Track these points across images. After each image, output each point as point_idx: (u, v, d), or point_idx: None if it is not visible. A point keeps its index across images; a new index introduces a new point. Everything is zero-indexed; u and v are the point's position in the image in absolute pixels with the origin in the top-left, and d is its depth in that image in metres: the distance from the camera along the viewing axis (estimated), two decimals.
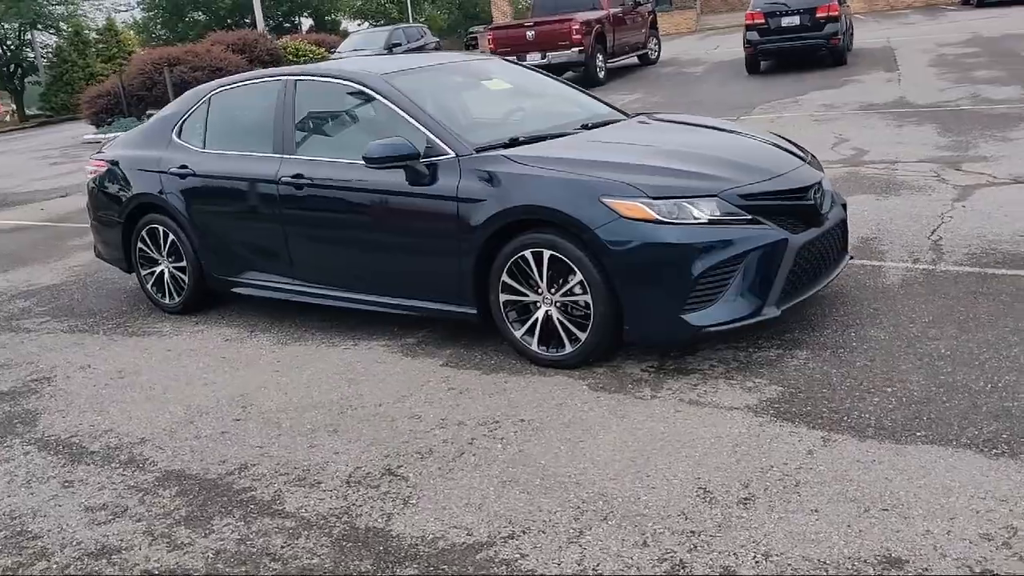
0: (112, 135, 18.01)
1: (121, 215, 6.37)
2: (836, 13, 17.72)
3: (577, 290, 4.50)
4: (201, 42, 23.76)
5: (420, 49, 24.53)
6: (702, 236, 4.26)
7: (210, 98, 6.12)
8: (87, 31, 38.17)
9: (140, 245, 6.33)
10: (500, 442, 3.93)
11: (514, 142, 5.01)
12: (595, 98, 6.11)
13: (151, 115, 6.64)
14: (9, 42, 40.63)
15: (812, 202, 4.64)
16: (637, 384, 4.39)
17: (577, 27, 18.50)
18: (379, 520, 3.41)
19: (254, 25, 32.28)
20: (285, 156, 5.50)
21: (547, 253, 4.52)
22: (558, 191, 4.48)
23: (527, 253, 4.59)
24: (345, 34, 43.81)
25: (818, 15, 17.59)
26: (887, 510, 3.15)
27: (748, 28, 18.14)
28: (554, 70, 18.54)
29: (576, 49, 18.57)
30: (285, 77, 5.72)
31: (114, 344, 5.82)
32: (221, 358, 5.34)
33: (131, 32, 42.99)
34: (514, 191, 4.59)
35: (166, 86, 20.90)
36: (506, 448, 3.87)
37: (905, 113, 11.70)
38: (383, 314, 5.39)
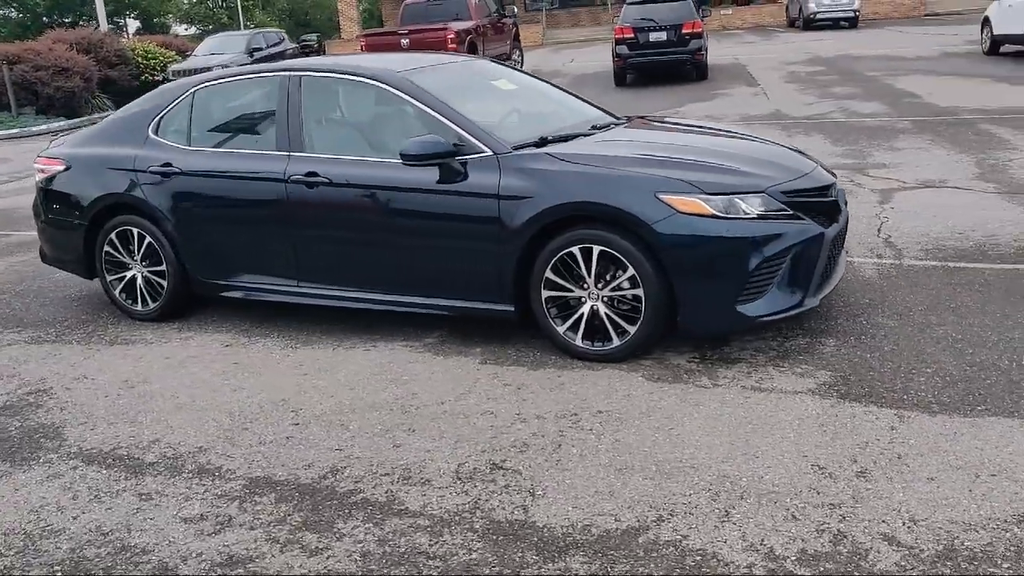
0: None
1: (84, 217, 5.95)
2: (700, 30, 18.66)
3: (625, 284, 4.60)
4: (41, 40, 22.23)
5: (281, 54, 23.90)
6: (756, 230, 4.46)
7: (194, 93, 5.83)
8: None
9: (107, 249, 5.94)
10: (591, 433, 3.97)
11: (544, 141, 5.06)
12: (585, 100, 6.24)
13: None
14: None
15: (835, 199, 4.94)
16: (691, 374, 4.53)
17: (452, 36, 18.60)
18: (517, 512, 3.39)
19: (95, 24, 30.49)
20: (293, 154, 5.32)
21: (597, 249, 4.60)
22: (613, 188, 4.58)
23: (575, 249, 4.65)
24: (176, 38, 42.10)
25: (684, 31, 18.44)
26: (995, 475, 3.42)
27: (618, 42, 18.78)
28: None
29: None
30: (286, 73, 5.53)
31: (98, 354, 5.43)
32: (233, 363, 5.10)
33: None
34: (564, 188, 4.65)
35: (4, 84, 19.51)
36: (600, 438, 3.92)
37: (787, 124, 12.47)
38: (388, 315, 5.32)
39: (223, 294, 5.70)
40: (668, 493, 3.46)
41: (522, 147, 4.94)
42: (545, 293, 4.78)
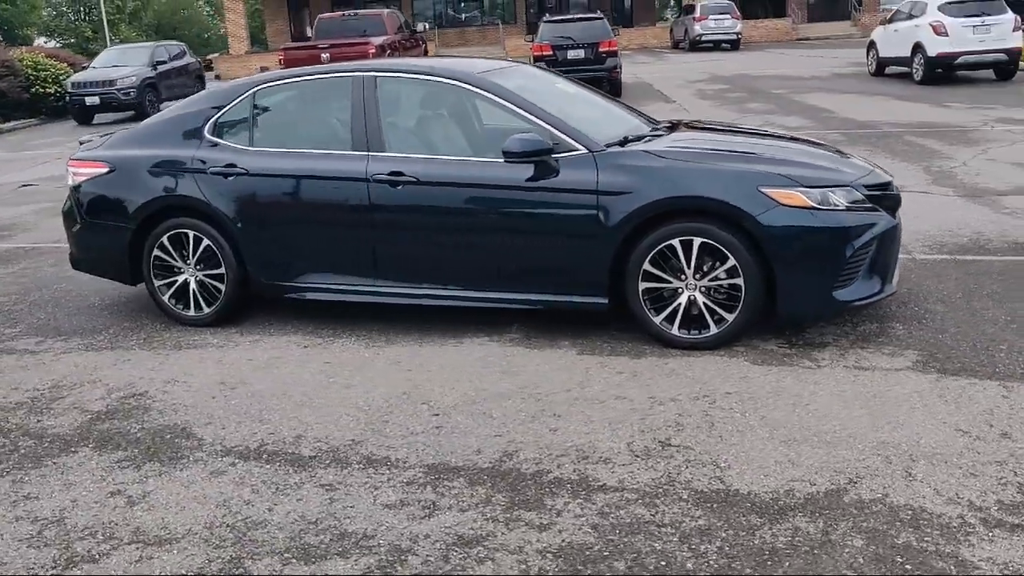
0: None
1: (132, 220, 5.78)
2: (615, 48, 19.28)
3: (723, 275, 4.85)
4: None
5: (184, 68, 23.22)
6: (849, 221, 4.80)
7: (254, 94, 5.75)
8: None
9: (157, 253, 5.78)
10: (735, 412, 4.19)
11: (626, 140, 5.27)
12: (627, 106, 6.48)
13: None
14: None
15: (896, 193, 5.34)
16: (790, 358, 4.82)
17: (374, 51, 18.58)
18: (714, 482, 3.57)
19: None
20: (372, 154, 5.34)
21: (698, 240, 4.84)
22: (717, 182, 4.83)
23: (675, 241, 4.87)
24: (63, 49, 40.23)
25: (601, 50, 19.03)
26: None
27: (536, 59, 19.14)
28: None
29: None
30: (360, 73, 5.55)
31: (172, 358, 5.29)
32: (325, 363, 5.07)
33: None
34: (668, 183, 4.87)
35: None
36: (747, 416, 4.14)
37: None
38: (454, 313, 5.42)
39: (290, 295, 5.64)
40: (842, 459, 3.70)
41: (612, 145, 5.13)
42: (643, 285, 4.98)
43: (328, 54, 18.60)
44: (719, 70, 24.34)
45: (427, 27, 22.18)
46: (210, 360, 5.21)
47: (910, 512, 3.31)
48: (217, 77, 31.80)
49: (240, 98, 5.77)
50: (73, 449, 4.15)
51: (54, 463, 4.02)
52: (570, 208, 5.02)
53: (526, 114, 5.19)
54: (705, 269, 4.89)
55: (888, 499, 3.39)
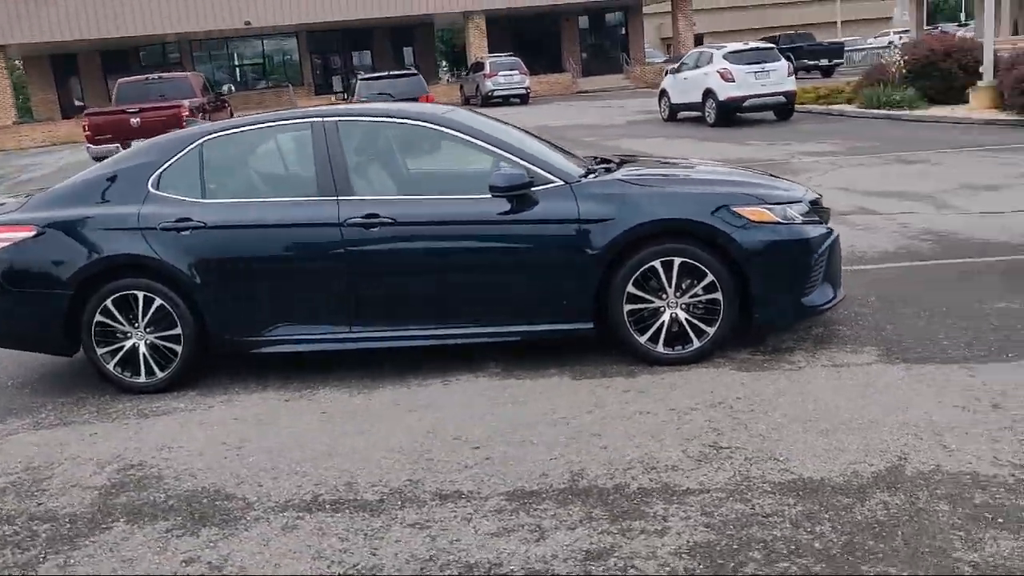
0: None
1: (68, 286, 5.36)
2: (433, 102, 19.65)
3: (700, 291, 5.17)
4: None
5: None
6: (809, 233, 5.25)
7: (201, 144, 5.52)
8: None
9: (99, 319, 5.38)
10: (756, 413, 4.47)
11: (589, 172, 5.52)
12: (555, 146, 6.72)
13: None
14: None
15: (827, 208, 5.88)
16: (770, 363, 5.17)
17: (188, 114, 17.97)
18: (784, 474, 3.81)
19: None
20: (342, 198, 5.28)
21: (677, 260, 5.13)
22: (694, 204, 5.16)
23: (656, 263, 5.14)
24: None
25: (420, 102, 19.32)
26: None
27: None
28: None
29: None
30: (319, 119, 5.47)
31: (146, 426, 4.93)
32: (321, 413, 4.92)
33: None
34: (647, 208, 5.14)
35: None
36: (769, 415, 4.43)
37: None
38: (416, 353, 5.42)
39: (257, 351, 5.42)
40: (880, 441, 4.05)
41: (583, 177, 5.35)
42: (627, 307, 5.20)
43: (138, 119, 17.84)
44: (520, 121, 25.19)
45: (232, 89, 21.65)
46: (192, 424, 4.92)
47: (968, 476, 3.67)
48: None
49: (185, 150, 5.52)
50: (105, 525, 3.81)
51: (94, 542, 3.68)
52: (553, 238, 5.18)
53: (497, 150, 5.33)
54: (684, 287, 5.17)
55: (943, 468, 3.76)
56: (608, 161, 6.24)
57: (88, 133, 17.82)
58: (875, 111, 19.96)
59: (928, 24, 66.94)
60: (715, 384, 4.90)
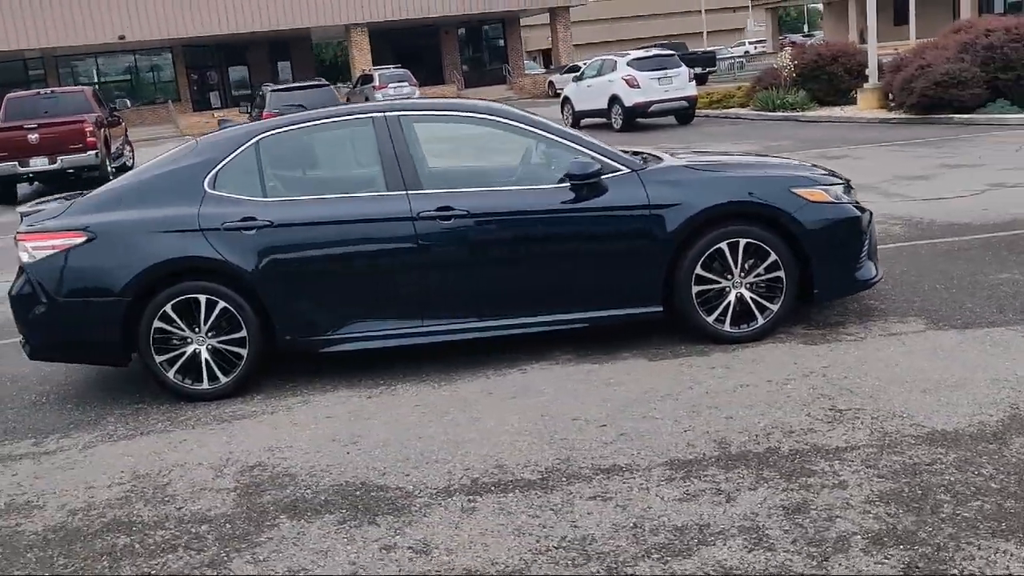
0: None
1: (127, 292, 5.14)
2: None
3: (762, 271, 5.40)
4: None
5: None
6: (858, 211, 5.57)
7: (257, 143, 5.38)
8: None
9: (158, 324, 5.19)
10: (852, 379, 4.71)
11: (646, 160, 5.68)
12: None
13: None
14: None
15: (854, 189, 6.22)
16: (830, 335, 5.44)
17: (91, 129, 17.24)
18: (917, 428, 4.06)
19: None
20: (412, 192, 5.26)
21: (743, 241, 5.35)
22: (758, 187, 5.39)
23: (723, 245, 5.35)
24: None
25: None
26: None
27: None
28: (61, 176, 17.07)
29: (93, 152, 17.25)
30: (376, 114, 5.42)
31: (231, 430, 4.76)
32: (415, 406, 4.88)
33: None
34: (711, 192, 5.34)
35: None
36: (864, 379, 4.68)
37: None
38: (483, 342, 5.43)
39: (327, 350, 5.33)
40: (984, 396, 4.35)
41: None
42: (695, 288, 5.38)
43: (37, 135, 16.99)
44: None
45: (128, 104, 20.79)
46: (285, 425, 4.80)
47: None
48: None
49: (241, 148, 5.38)
50: (269, 523, 3.70)
51: (270, 538, 3.57)
52: (624, 225, 5.31)
53: (566, 142, 5.42)
54: (747, 267, 5.39)
55: None
56: (638, 154, 6.41)
57: None
58: (772, 113, 20.93)
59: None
60: (794, 357, 5.12)
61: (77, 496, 4.13)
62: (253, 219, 5.19)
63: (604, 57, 22.88)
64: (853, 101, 20.42)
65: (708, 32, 62.38)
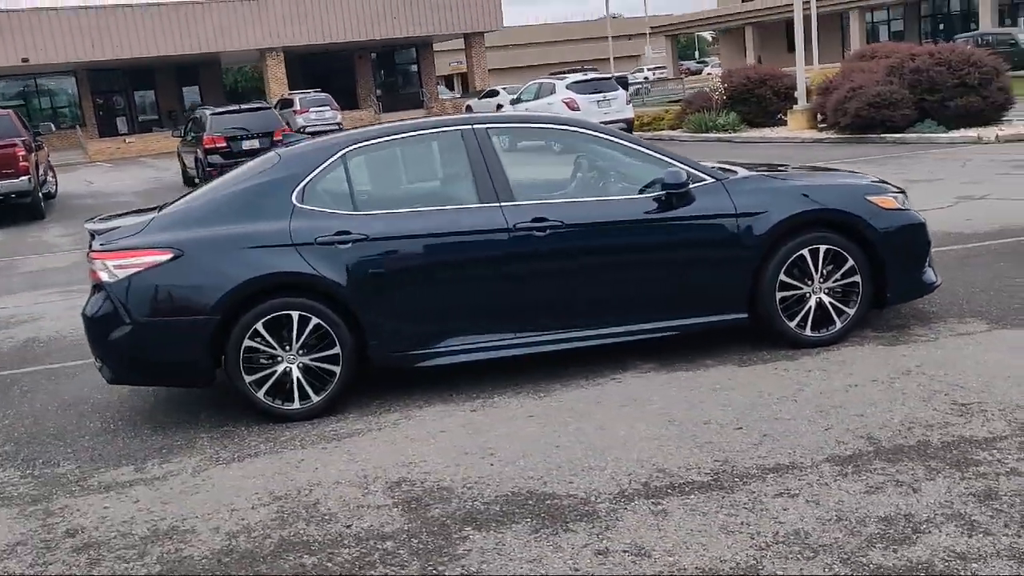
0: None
1: (216, 310, 4.97)
2: (289, 132, 19.16)
3: (839, 276, 5.57)
4: None
5: None
6: (921, 217, 5.80)
7: (344, 155, 5.28)
8: None
9: (249, 343, 5.03)
10: (955, 375, 4.88)
11: (726, 171, 5.79)
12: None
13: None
14: None
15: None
16: (901, 337, 5.63)
17: (23, 153, 16.52)
18: None
19: None
20: (505, 204, 5.25)
21: (823, 247, 5.52)
22: (837, 195, 5.57)
23: (804, 251, 5.50)
24: None
25: (275, 139, 18.78)
26: None
27: (209, 152, 18.40)
28: None
29: (25, 178, 16.54)
30: (464, 127, 5.39)
31: (344, 449, 4.63)
32: (528, 417, 4.85)
33: None
34: (794, 201, 5.48)
35: None
36: (965, 375, 4.87)
37: None
38: (561, 355, 5.42)
39: (422, 364, 5.25)
40: None
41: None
42: (779, 294, 5.51)
43: None
44: None
45: (52, 128, 19.92)
46: (401, 440, 4.70)
47: None
48: None
49: (328, 161, 5.27)
50: (457, 535, 3.61)
51: (468, 550, 3.49)
52: (713, 233, 5.41)
53: (652, 153, 5.51)
54: (826, 272, 5.55)
55: None
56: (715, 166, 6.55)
57: None
58: (705, 135, 21.52)
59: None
60: (880, 357, 5.29)
61: (225, 519, 3.96)
62: (347, 233, 5.09)
63: (541, 81, 23.18)
64: (782, 122, 21.20)
65: (608, 59, 63.86)
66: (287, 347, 5.06)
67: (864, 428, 4.31)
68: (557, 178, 5.81)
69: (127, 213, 5.71)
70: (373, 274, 5.09)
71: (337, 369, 5.11)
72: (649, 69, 69.20)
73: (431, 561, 3.43)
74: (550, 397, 5.13)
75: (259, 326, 5.00)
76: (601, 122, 20.82)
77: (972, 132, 16.77)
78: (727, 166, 6.01)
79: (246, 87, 46.27)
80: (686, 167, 5.45)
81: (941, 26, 56.81)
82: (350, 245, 5.08)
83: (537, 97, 22.25)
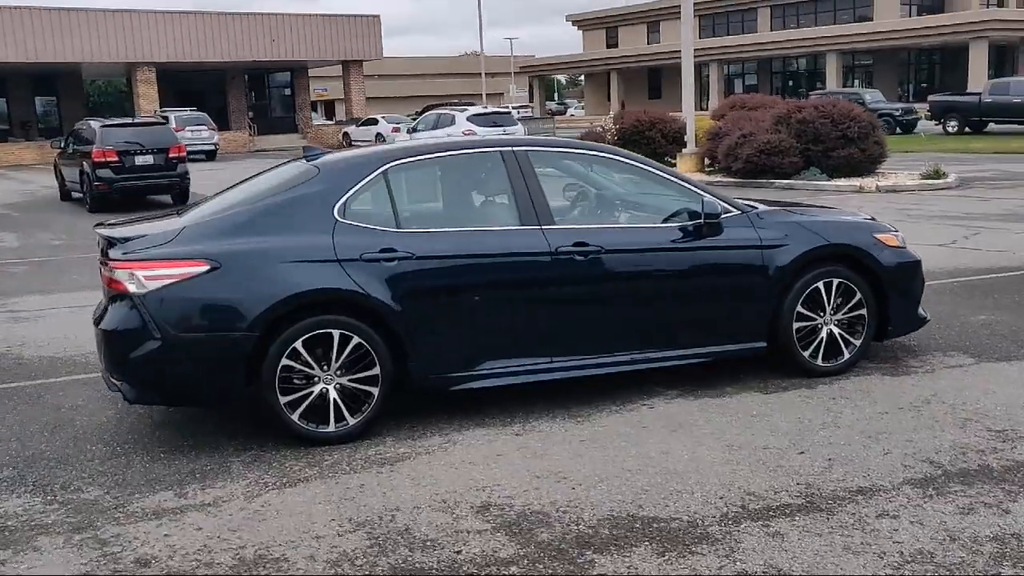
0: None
1: (256, 326, 4.72)
2: (184, 154, 18.49)
3: (847, 309, 5.83)
4: None
5: None
6: (918, 255, 6.14)
7: (385, 171, 5.13)
8: None
9: (286, 362, 4.80)
10: (979, 397, 5.18)
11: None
12: None
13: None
14: None
15: None
16: (900, 369, 5.91)
17: None
18: None
19: None
20: (546, 227, 5.24)
21: (835, 281, 5.76)
22: (850, 232, 5.83)
23: (820, 284, 5.73)
24: None
25: (170, 156, 18.08)
26: None
27: (98, 166, 17.46)
28: None
29: None
30: (504, 148, 5.34)
31: (404, 474, 4.50)
32: (580, 441, 4.81)
33: None
34: (813, 236, 5.70)
35: None
36: (997, 399, 5.17)
37: None
38: (579, 381, 5.42)
39: (459, 387, 5.13)
40: None
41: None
42: (796, 325, 5.70)
43: None
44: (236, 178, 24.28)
45: None
46: (463, 464, 4.56)
47: None
48: None
49: (370, 176, 5.11)
50: (582, 559, 3.53)
51: (604, 574, 3.43)
52: (741, 263, 5.55)
53: (682, 184, 5.62)
54: (836, 305, 5.78)
55: None
56: None
57: None
58: None
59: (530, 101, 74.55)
60: (896, 387, 5.53)
61: (315, 547, 3.73)
62: (393, 250, 4.94)
63: (440, 111, 23.22)
64: (671, 164, 21.94)
65: (474, 95, 64.73)
66: (324, 367, 4.84)
67: (920, 453, 4.49)
68: (597, 203, 5.84)
69: (139, 220, 5.35)
70: (417, 293, 4.96)
71: (375, 391, 4.93)
72: (514, 107, 70.64)
73: None
74: (589, 422, 5.11)
75: (298, 344, 4.77)
76: None
77: (855, 181, 17.86)
78: (750, 203, 6.19)
79: (109, 101, 44.21)
80: (713, 198, 5.58)
81: (791, 82, 60.54)
82: (395, 263, 4.93)
83: (436, 127, 22.27)
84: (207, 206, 5.29)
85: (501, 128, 21.36)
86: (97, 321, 5.02)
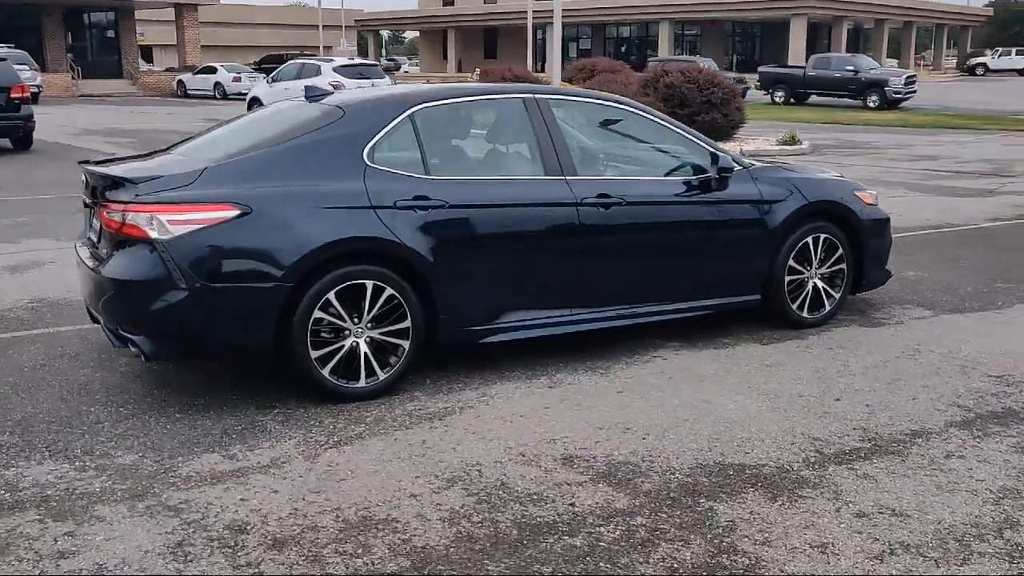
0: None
1: (291, 276, 4.42)
2: (28, 94, 17.03)
3: (830, 263, 6.08)
4: None
5: None
6: (887, 213, 6.47)
7: (413, 115, 4.88)
8: None
9: (317, 315, 4.53)
10: (967, 346, 5.53)
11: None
12: None
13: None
14: None
15: None
16: (874, 322, 6.25)
17: None
18: None
19: None
20: (569, 178, 5.16)
21: (822, 236, 6.00)
22: (836, 189, 6.06)
23: (808, 239, 5.95)
24: None
25: (12, 96, 16.59)
26: None
27: None
28: None
29: None
30: (525, 95, 5.20)
31: (483, 424, 4.35)
32: (618, 393, 4.81)
33: None
34: (806, 191, 5.88)
35: None
36: (978, 347, 5.51)
37: None
38: (590, 335, 5.40)
39: (485, 340, 5.00)
40: None
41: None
42: (787, 278, 5.90)
43: None
44: (90, 123, 22.78)
45: None
46: (513, 418, 4.45)
47: None
48: None
49: (397, 119, 4.85)
50: (705, 507, 3.54)
51: (737, 518, 3.44)
52: (745, 217, 5.67)
53: (691, 138, 5.65)
54: (821, 259, 6.02)
55: None
56: None
57: None
58: None
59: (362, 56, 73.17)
60: (881, 338, 5.81)
61: (418, 505, 3.55)
62: (426, 198, 4.73)
63: (304, 61, 22.38)
64: None
65: (316, 47, 62.83)
66: (356, 319, 4.60)
67: (944, 398, 4.75)
68: (614, 154, 5.78)
69: (131, 158, 4.86)
70: (449, 243, 4.77)
71: (406, 344, 4.73)
72: (348, 60, 69.01)
73: (707, 534, 3.34)
74: (612, 374, 5.10)
75: (331, 295, 4.50)
76: None
77: (721, 145, 18.52)
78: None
79: None
80: (720, 153, 5.65)
81: (623, 48, 62.06)
82: (429, 211, 4.72)
83: (299, 77, 21.42)
84: (206, 147, 4.88)
85: (369, 80, 20.81)
86: (95, 269, 4.55)
